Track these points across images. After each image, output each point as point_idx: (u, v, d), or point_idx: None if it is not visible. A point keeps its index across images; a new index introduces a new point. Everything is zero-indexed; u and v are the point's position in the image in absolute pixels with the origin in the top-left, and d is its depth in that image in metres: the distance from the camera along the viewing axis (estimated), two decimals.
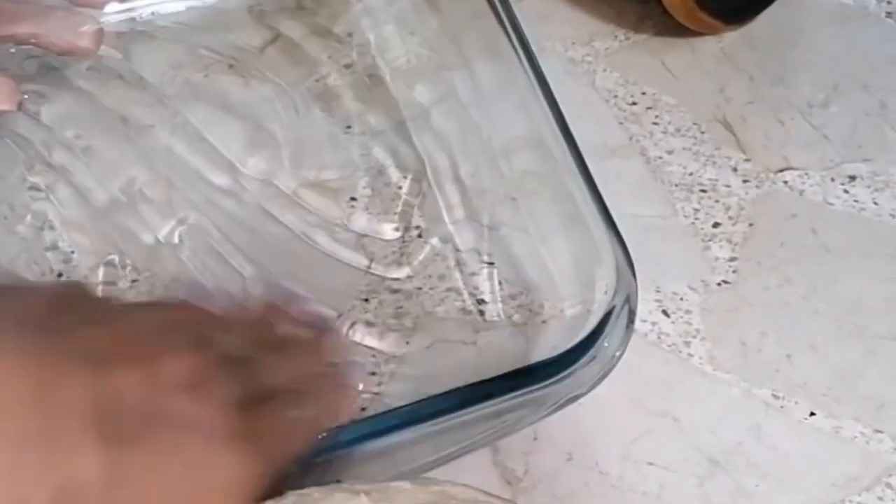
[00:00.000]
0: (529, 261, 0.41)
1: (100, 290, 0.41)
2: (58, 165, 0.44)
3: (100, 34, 0.42)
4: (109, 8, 0.46)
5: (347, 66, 0.49)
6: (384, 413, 0.33)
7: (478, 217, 0.43)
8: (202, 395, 0.28)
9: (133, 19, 0.48)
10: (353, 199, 0.45)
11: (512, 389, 0.33)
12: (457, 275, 0.42)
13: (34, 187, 0.44)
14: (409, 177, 0.46)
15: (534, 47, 0.55)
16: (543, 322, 0.39)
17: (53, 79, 0.47)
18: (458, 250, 0.43)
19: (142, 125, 0.46)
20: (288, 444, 0.30)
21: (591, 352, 0.33)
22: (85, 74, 0.47)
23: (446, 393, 0.33)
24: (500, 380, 0.33)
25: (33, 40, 0.42)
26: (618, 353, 0.34)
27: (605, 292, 0.34)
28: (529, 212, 0.41)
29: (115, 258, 0.42)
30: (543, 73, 0.40)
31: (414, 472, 0.35)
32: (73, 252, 0.42)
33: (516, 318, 0.40)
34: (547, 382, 0.33)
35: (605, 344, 0.34)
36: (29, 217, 0.43)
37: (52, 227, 0.42)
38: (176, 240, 0.42)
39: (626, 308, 0.34)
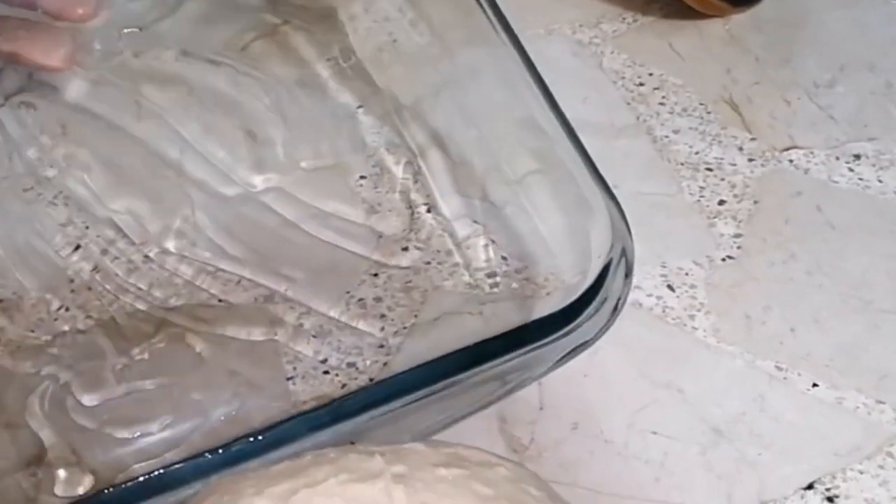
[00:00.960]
0: (530, 236, 0.42)
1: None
2: (44, 175, 0.45)
3: (71, 52, 0.42)
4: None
5: (341, 54, 0.50)
6: (393, 377, 0.34)
7: (480, 195, 0.44)
8: None
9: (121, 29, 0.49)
10: (362, 177, 0.46)
11: (519, 345, 0.33)
12: (463, 250, 0.43)
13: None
14: (413, 158, 0.46)
15: (541, 30, 0.56)
16: (548, 294, 0.39)
17: (41, 87, 0.47)
18: (466, 226, 0.44)
19: (132, 128, 0.47)
20: None
21: (593, 304, 0.34)
22: (74, 82, 0.47)
23: (456, 352, 0.33)
24: (509, 336, 0.34)
25: (16, 56, 0.42)
26: (618, 302, 0.35)
27: (599, 256, 0.35)
28: (528, 188, 0.42)
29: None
30: (527, 52, 0.41)
31: (423, 434, 0.36)
32: (87, 227, 0.43)
33: (521, 290, 0.41)
34: (549, 339, 0.33)
35: (605, 296, 0.34)
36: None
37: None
38: (175, 237, 0.43)
39: (623, 261, 0.35)
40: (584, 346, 0.35)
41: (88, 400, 0.37)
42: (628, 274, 0.35)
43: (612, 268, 0.34)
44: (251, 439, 0.33)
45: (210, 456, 0.32)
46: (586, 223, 0.37)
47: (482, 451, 0.31)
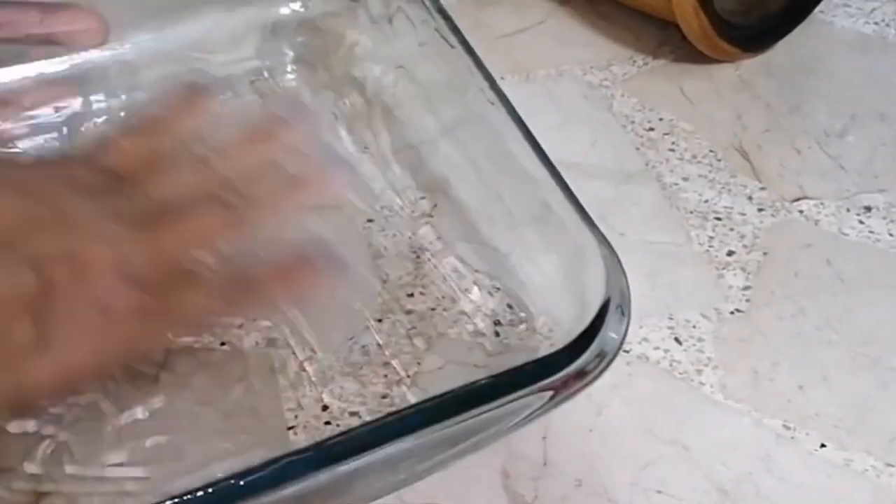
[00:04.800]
0: (533, 284, 0.42)
1: None
2: None
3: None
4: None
5: (346, 97, 0.50)
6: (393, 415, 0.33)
7: (485, 242, 0.44)
8: None
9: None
10: (369, 220, 0.46)
11: (513, 390, 0.33)
12: (469, 298, 0.43)
13: None
14: (420, 202, 0.46)
15: (552, 70, 0.55)
16: (551, 345, 0.39)
17: None
18: (472, 273, 0.43)
19: None
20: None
21: (592, 347, 0.34)
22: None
23: (448, 394, 0.33)
24: (505, 378, 0.33)
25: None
26: (615, 342, 0.35)
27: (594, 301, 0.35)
28: (528, 236, 0.41)
29: None
30: (510, 102, 0.41)
31: (419, 475, 0.35)
32: None
33: (526, 341, 0.40)
34: (537, 386, 0.33)
35: (608, 336, 0.34)
36: None
37: None
38: None
39: (619, 307, 0.35)
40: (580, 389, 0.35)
41: (86, 458, 0.36)
42: (625, 314, 0.35)
43: (607, 314, 0.34)
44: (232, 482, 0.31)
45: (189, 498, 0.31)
46: (583, 271, 0.37)
47: None
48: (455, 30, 0.43)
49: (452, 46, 0.43)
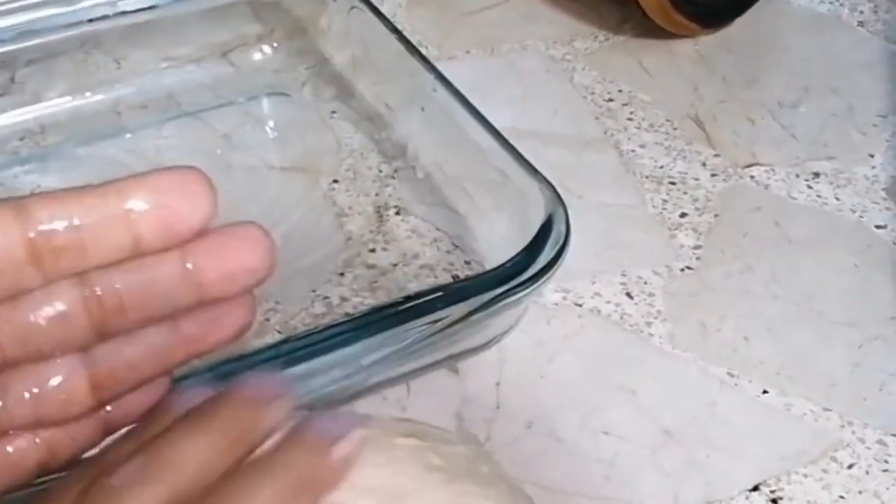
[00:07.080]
0: (489, 242, 0.43)
1: None
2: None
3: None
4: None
5: (318, 62, 0.52)
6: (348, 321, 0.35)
7: (448, 204, 0.46)
8: None
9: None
10: (335, 181, 0.47)
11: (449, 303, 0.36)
12: (431, 253, 0.44)
13: None
14: (389, 160, 0.48)
15: (515, 45, 0.57)
16: None
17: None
18: (432, 231, 0.45)
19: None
20: None
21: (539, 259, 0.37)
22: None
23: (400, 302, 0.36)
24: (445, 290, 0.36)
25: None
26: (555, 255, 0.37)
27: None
28: (491, 199, 0.43)
29: None
30: (447, 78, 0.44)
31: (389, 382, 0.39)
32: None
33: None
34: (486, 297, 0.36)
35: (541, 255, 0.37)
36: None
37: None
38: None
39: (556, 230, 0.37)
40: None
41: None
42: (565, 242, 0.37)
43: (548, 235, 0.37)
44: None
45: None
46: (532, 225, 0.38)
47: (446, 433, 0.32)
48: (395, 30, 0.47)
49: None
